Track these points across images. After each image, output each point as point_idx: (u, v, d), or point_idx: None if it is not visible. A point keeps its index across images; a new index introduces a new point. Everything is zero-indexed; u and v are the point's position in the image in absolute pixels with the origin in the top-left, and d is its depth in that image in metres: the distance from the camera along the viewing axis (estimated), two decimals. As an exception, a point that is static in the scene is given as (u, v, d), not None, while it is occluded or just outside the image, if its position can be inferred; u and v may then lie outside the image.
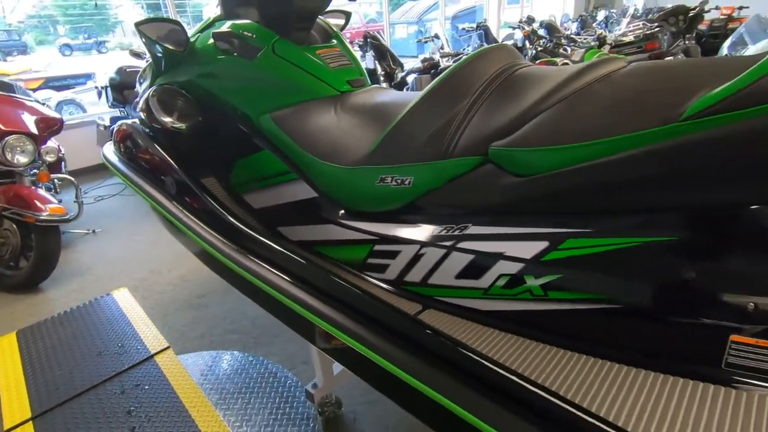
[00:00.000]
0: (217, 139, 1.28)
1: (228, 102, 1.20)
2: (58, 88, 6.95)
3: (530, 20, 4.93)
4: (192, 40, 1.23)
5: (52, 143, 2.70)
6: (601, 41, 4.19)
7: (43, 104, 2.73)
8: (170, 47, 1.20)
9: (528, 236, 0.70)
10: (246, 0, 1.22)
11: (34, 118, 2.43)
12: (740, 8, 4.14)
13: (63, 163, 3.07)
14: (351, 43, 4.38)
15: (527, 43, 5.02)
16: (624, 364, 0.62)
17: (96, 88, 4.02)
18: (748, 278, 0.54)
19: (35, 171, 2.38)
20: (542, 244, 0.68)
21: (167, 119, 1.21)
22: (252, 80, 1.16)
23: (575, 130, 0.63)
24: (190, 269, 2.37)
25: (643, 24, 4.71)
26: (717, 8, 7.11)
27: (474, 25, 5.19)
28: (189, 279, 2.28)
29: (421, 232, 0.84)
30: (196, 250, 1.37)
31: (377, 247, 0.92)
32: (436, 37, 4.65)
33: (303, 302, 0.90)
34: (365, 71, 1.27)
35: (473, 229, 0.77)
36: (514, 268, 0.71)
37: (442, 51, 4.25)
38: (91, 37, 13.91)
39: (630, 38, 4.62)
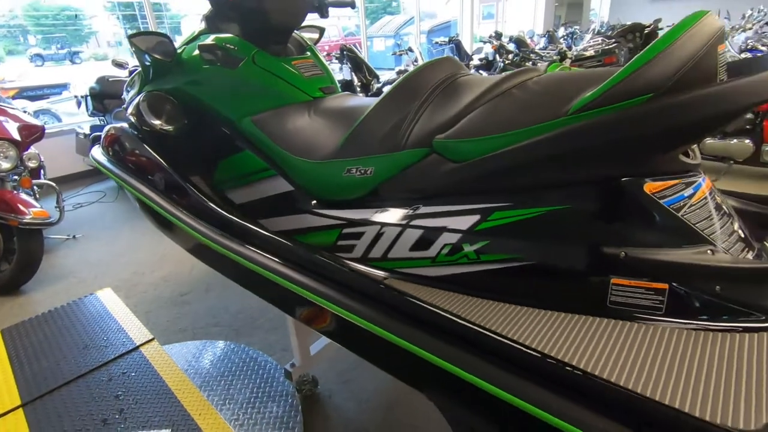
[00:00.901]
0: (201, 141, 1.41)
1: (212, 106, 1.33)
2: (33, 98, 6.89)
3: (498, 35, 5.21)
4: (179, 51, 1.36)
5: (33, 150, 2.75)
6: (563, 55, 4.48)
7: (25, 112, 2.79)
8: (159, 57, 1.33)
9: (465, 212, 0.86)
10: (228, 16, 1.36)
11: (17, 125, 2.49)
12: (731, 28, 4.51)
13: (42, 170, 3.12)
14: (328, 55, 4.56)
15: (497, 56, 5.31)
16: (538, 308, 0.77)
17: (75, 97, 4.07)
18: (621, 233, 0.71)
19: (17, 177, 2.44)
20: (475, 217, 0.84)
21: (156, 122, 1.33)
22: (234, 87, 1.30)
23: (495, 124, 0.80)
24: (171, 271, 2.45)
25: (602, 40, 5.05)
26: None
27: (447, 39, 5.45)
28: (171, 279, 2.36)
29: (381, 214, 0.99)
30: (185, 241, 1.48)
31: (345, 230, 1.07)
32: (410, 50, 4.88)
33: (287, 276, 1.03)
34: (338, 81, 1.43)
35: (423, 209, 0.92)
36: (454, 238, 0.86)
37: (416, 63, 4.47)
38: (64, 47, 13.72)
39: (590, 53, 4.95)
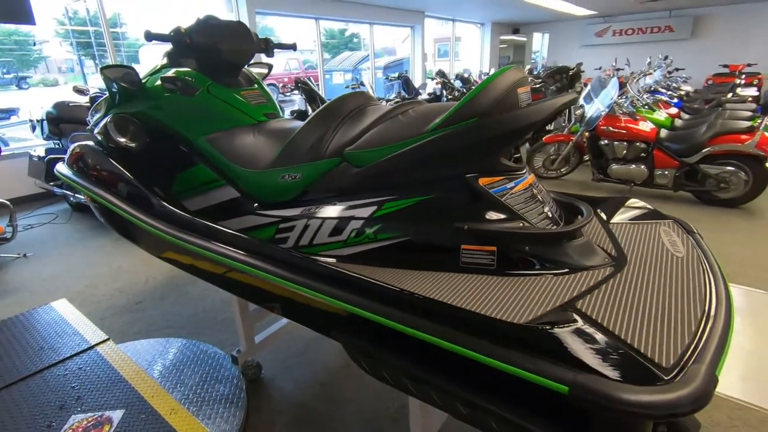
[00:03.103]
0: (162, 156, 1.64)
1: (172, 127, 1.58)
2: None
3: (441, 73, 5.77)
4: (144, 80, 1.62)
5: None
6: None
7: (-18, 134, 2.87)
8: (126, 86, 1.57)
9: (366, 204, 1.15)
10: (187, 54, 1.64)
11: (-25, 145, 2.59)
12: (617, 69, 5.21)
13: (-5, 191, 3.17)
14: (284, 87, 4.88)
15: (444, 91, 5.85)
16: (416, 270, 1.06)
17: (30, 121, 4.13)
18: (465, 213, 1.03)
19: (-28, 194, 2.52)
20: (373, 207, 1.14)
21: (121, 139, 1.56)
22: (191, 112, 1.56)
23: (383, 139, 1.11)
24: (127, 282, 2.58)
25: (531, 80, 5.72)
26: (600, 68, 8.67)
27: (396, 75, 5.96)
28: (126, 290, 2.49)
29: (307, 211, 1.27)
30: (146, 241, 1.68)
31: (281, 226, 1.33)
32: (362, 84, 5.31)
33: (240, 260, 1.24)
34: (293, 110, 1.73)
35: (338, 205, 1.21)
36: (359, 224, 1.15)
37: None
38: (10, 72, 13.31)
39: (522, 90, 5.58)
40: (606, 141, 3.80)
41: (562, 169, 4.41)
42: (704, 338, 0.76)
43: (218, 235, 1.36)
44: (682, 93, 6.08)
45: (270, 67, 2.00)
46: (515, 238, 1.00)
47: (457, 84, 6.15)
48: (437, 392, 0.94)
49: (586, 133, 3.91)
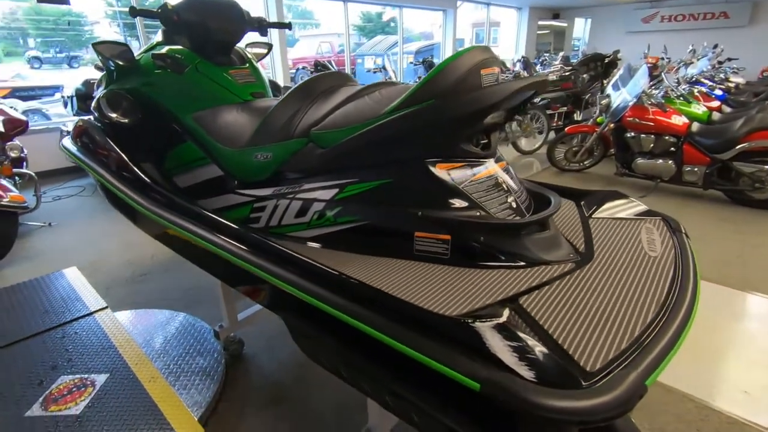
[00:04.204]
0: (153, 133, 1.68)
1: (162, 104, 1.61)
2: (25, 98, 7.14)
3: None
4: (137, 57, 1.64)
5: (16, 142, 3.00)
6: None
7: (11, 107, 3.04)
8: (120, 62, 1.61)
9: (329, 186, 1.13)
10: (178, 31, 1.65)
11: (1, 118, 2.75)
12: (669, 60, 4.90)
13: (25, 162, 3.36)
14: (304, 68, 4.88)
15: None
16: (372, 255, 1.04)
17: (62, 98, 4.33)
18: (421, 199, 0.99)
19: (-1, 164, 2.68)
20: (335, 190, 1.12)
21: (113, 115, 1.60)
22: (180, 89, 1.58)
23: (346, 120, 1.08)
24: (135, 255, 2.69)
25: (560, 67, 5.46)
26: (645, 56, 8.17)
27: (421, 60, 5.84)
28: (134, 263, 2.60)
29: (277, 191, 1.26)
30: (134, 217, 1.73)
31: (255, 205, 1.34)
32: (384, 69, 5.24)
33: (214, 243, 1.25)
34: (268, 87, 1.72)
35: (304, 186, 1.20)
36: (321, 206, 1.14)
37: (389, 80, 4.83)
38: (63, 51, 13.99)
39: (551, 78, 5.34)
40: (632, 133, 3.58)
41: (585, 162, 4.21)
42: (645, 344, 0.70)
43: (183, 211, 1.37)
44: (731, 85, 5.65)
45: (269, 47, 1.99)
46: (470, 227, 0.96)
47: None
48: (367, 380, 0.92)
49: (611, 125, 3.70)
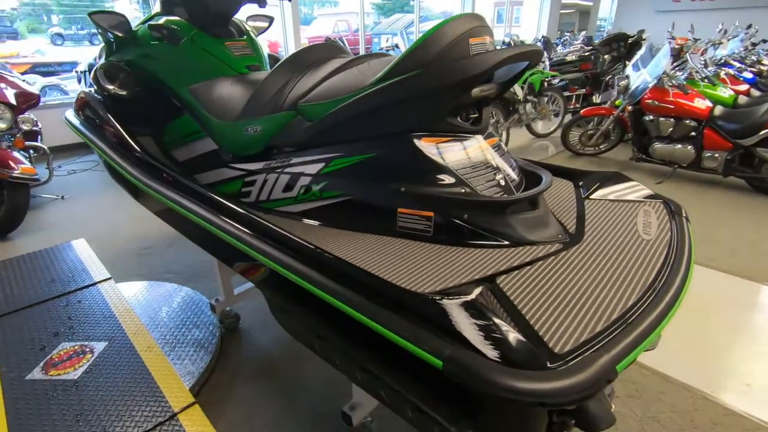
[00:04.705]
0: (151, 105, 1.67)
1: (159, 77, 1.59)
2: (45, 74, 7.25)
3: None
4: (135, 28, 1.63)
5: (30, 115, 3.05)
6: (536, 59, 4.68)
7: (24, 81, 3.09)
8: (117, 34, 1.59)
9: (316, 160, 1.11)
10: (177, 2, 1.62)
11: (14, 91, 2.79)
12: (695, 40, 4.64)
13: (39, 136, 3.42)
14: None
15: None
16: (358, 231, 1.02)
17: (76, 73, 4.37)
18: (404, 174, 0.96)
19: (11, 137, 2.73)
20: (322, 164, 1.09)
21: (110, 87, 1.60)
22: (176, 61, 1.56)
23: (332, 92, 1.05)
24: (142, 229, 2.73)
25: (580, 47, 5.25)
26: (673, 38, 7.78)
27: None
28: (140, 236, 2.64)
29: (267, 165, 1.25)
30: (130, 188, 1.74)
31: (246, 179, 1.32)
32: (396, 46, 5.12)
33: (205, 218, 1.24)
34: (266, 60, 1.68)
35: (293, 160, 1.18)
36: (308, 180, 1.12)
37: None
38: (84, 28, 14.09)
39: (570, 58, 5.15)
40: (651, 116, 3.44)
41: (601, 146, 4.08)
42: (621, 328, 0.67)
43: (198, 195, 1.34)
44: (763, 68, 5.35)
45: (271, 20, 1.95)
46: (453, 204, 0.93)
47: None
48: (338, 355, 0.91)
49: (629, 107, 3.56)
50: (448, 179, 0.94)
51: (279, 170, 1.21)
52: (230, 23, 1.68)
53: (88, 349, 1.60)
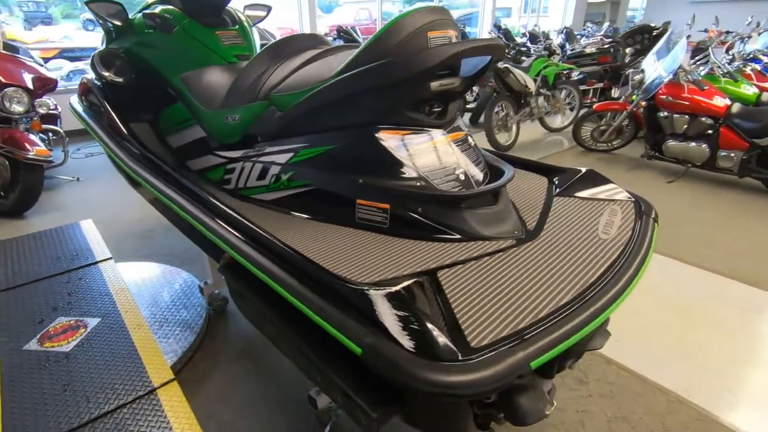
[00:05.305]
0: (146, 93, 1.72)
1: (153, 65, 1.64)
2: (72, 59, 7.49)
3: (498, 28, 5.32)
4: (131, 17, 1.67)
5: (49, 99, 3.17)
6: (551, 52, 4.58)
7: (42, 65, 3.21)
8: (114, 22, 1.64)
9: (285, 150, 1.13)
10: (172, -9, 1.66)
11: (32, 76, 2.90)
12: (727, 32, 4.44)
13: (59, 119, 3.56)
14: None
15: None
16: (322, 221, 1.04)
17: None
18: (362, 166, 0.97)
19: (29, 120, 2.86)
20: (290, 154, 1.12)
21: (106, 74, 1.65)
22: (168, 49, 1.60)
23: (300, 83, 1.06)
24: (147, 213, 2.83)
25: (600, 39, 5.08)
26: (706, 30, 7.43)
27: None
28: (144, 219, 2.74)
29: (245, 154, 1.28)
30: (125, 174, 1.81)
31: (227, 167, 1.36)
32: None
33: (177, 202, 1.28)
34: (256, 50, 1.71)
35: (267, 149, 1.20)
36: (278, 169, 1.14)
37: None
38: (115, 14, 14.36)
39: (589, 50, 5.00)
40: (665, 113, 3.33)
41: (614, 142, 3.97)
42: (545, 327, 0.67)
43: (178, 184, 1.37)
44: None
45: (268, 9, 1.97)
46: (409, 197, 0.94)
47: (525, 41, 5.65)
48: (282, 339, 0.94)
49: (643, 102, 3.45)
50: (404, 172, 0.95)
51: (254, 159, 1.24)
52: (225, 12, 1.71)
53: (82, 324, 1.69)
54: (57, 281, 1.99)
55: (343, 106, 0.98)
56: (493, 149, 4.03)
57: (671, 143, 3.34)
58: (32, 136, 2.77)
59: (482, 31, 8.84)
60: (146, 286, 1.93)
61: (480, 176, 1.04)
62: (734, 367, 1.56)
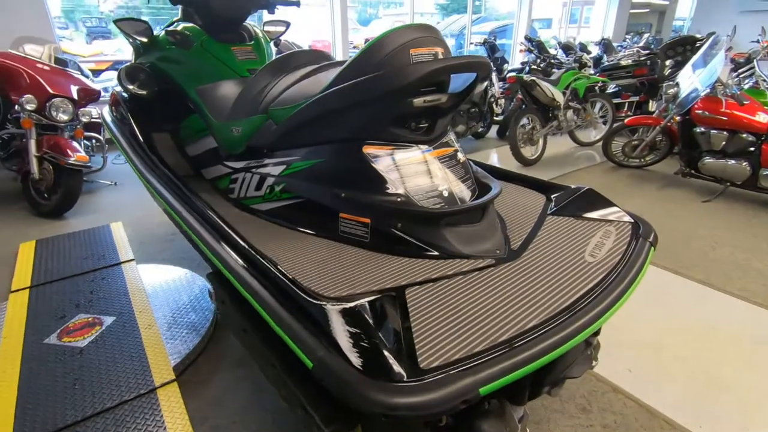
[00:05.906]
0: (168, 104, 1.82)
1: (174, 78, 1.74)
2: (123, 71, 7.99)
3: (529, 40, 5.24)
4: (156, 34, 1.78)
5: (94, 109, 3.40)
6: (582, 64, 4.45)
7: (89, 77, 3.45)
8: (141, 39, 1.75)
9: (280, 162, 1.17)
10: (193, 11, 1.75)
11: (77, 87, 3.13)
12: None
13: (101, 128, 3.80)
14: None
15: (537, 60, 5.30)
16: (307, 233, 1.06)
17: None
18: (346, 180, 0.99)
19: (73, 127, 3.08)
20: (283, 166, 1.15)
21: (130, 86, 1.76)
22: (187, 64, 1.69)
23: (294, 97, 1.10)
24: (175, 217, 2.96)
25: (636, 51, 4.90)
26: (757, 41, 6.99)
27: (482, 41, 5.57)
28: (167, 223, 2.86)
29: (246, 165, 1.33)
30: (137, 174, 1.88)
31: (232, 177, 1.42)
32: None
33: (179, 213, 1.34)
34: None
35: (265, 161, 1.24)
36: (272, 181, 1.18)
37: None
38: (165, 29, 15.26)
39: (624, 63, 4.83)
40: (701, 128, 3.15)
41: (647, 158, 3.79)
42: (501, 352, 0.65)
43: (180, 195, 1.44)
44: None
45: (287, 24, 2.05)
46: (389, 212, 0.94)
47: (560, 53, 5.53)
48: (255, 350, 0.96)
49: (677, 117, 3.28)
50: (385, 187, 0.96)
51: (254, 170, 1.28)
52: (243, 29, 1.79)
53: (98, 322, 1.78)
54: (83, 279, 2.11)
55: (329, 121, 1.00)
56: (518, 163, 3.95)
57: (708, 160, 3.16)
58: (74, 143, 2.98)
59: (515, 43, 8.73)
60: (161, 287, 2.01)
61: (466, 193, 1.02)
62: (760, 409, 1.44)
